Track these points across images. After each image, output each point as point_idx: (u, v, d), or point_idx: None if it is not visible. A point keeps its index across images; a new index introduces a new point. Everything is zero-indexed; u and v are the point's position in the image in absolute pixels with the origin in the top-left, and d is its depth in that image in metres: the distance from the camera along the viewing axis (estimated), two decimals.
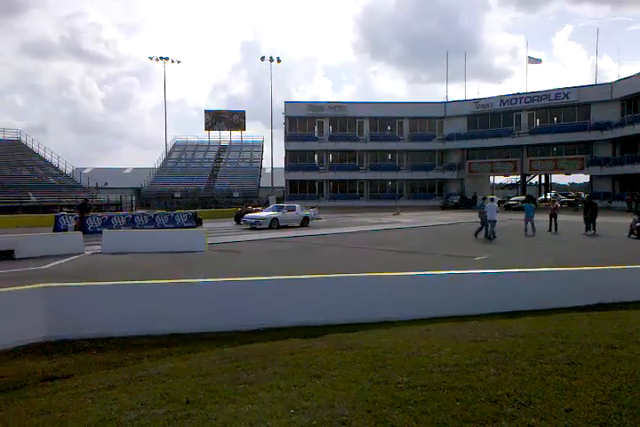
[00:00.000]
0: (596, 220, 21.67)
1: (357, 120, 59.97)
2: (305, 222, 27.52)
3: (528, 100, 52.89)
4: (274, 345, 6.01)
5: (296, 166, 59.04)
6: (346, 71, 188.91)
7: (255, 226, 25.28)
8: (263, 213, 26.88)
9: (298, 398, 3.72)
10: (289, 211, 27.40)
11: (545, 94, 51.88)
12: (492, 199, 22.32)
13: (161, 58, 64.65)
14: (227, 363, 5.06)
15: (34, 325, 6.76)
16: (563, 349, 4.94)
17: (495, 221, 19.70)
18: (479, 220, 20.60)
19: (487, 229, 19.72)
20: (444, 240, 20.26)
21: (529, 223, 21.22)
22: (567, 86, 51.21)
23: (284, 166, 59.63)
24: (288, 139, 59.40)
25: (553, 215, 22.50)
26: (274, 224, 25.53)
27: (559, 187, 74.18)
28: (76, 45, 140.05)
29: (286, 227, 25.98)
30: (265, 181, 60.13)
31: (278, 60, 57.89)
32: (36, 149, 55.52)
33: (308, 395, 3.79)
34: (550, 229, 22.23)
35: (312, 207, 35.47)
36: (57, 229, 22.90)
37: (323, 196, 58.67)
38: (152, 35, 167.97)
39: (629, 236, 19.61)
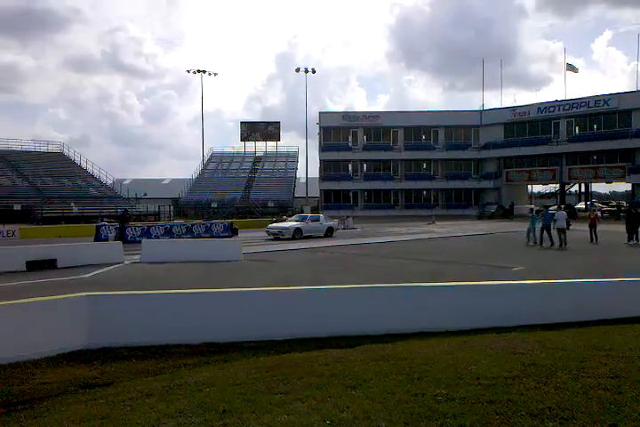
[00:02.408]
0: (638, 229, 21.07)
1: (392, 130, 59.86)
2: (329, 233, 26.56)
3: (567, 107, 51.96)
4: (309, 355, 5.99)
5: (330, 176, 59.18)
6: (380, 80, 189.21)
7: (278, 236, 24.75)
8: (286, 224, 26.38)
9: (334, 410, 3.69)
10: (313, 221, 26.58)
11: (584, 101, 50.90)
12: (559, 207, 22.45)
13: (198, 71, 65.83)
14: (262, 372, 5.07)
15: (76, 332, 6.90)
16: (606, 362, 4.80)
17: (564, 228, 19.75)
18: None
19: (550, 237, 20.07)
20: (481, 250, 19.96)
21: (531, 234, 21.21)
22: (607, 93, 50.24)
23: (318, 176, 59.90)
24: (322, 149, 59.64)
25: (592, 226, 21.80)
26: (297, 234, 24.83)
27: (600, 195, 72.37)
28: (116, 60, 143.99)
29: (310, 237, 25.21)
30: (300, 191, 60.43)
31: (313, 71, 58.44)
32: (77, 160, 57.37)
33: (343, 406, 3.76)
34: (591, 240, 21.66)
35: (347, 217, 35.46)
36: (98, 238, 23.53)
37: (357, 205, 58.57)
38: (189, 48, 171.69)
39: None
